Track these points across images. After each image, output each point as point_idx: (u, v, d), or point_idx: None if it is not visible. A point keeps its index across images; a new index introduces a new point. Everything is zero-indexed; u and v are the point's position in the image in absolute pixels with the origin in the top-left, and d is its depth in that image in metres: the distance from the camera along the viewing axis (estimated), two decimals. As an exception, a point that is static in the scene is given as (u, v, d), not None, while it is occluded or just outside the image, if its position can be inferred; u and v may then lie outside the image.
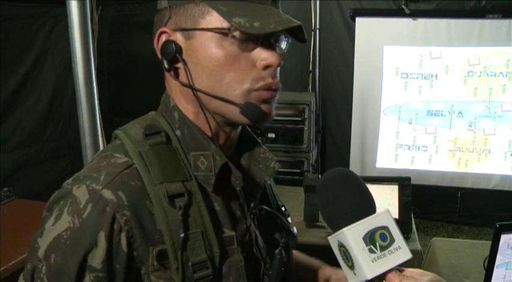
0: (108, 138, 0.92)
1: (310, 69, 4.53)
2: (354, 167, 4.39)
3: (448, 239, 2.72)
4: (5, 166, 3.38)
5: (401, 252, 0.72)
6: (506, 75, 4.00)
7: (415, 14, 4.07)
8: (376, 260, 0.70)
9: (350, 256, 0.71)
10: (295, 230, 0.97)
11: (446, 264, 2.06)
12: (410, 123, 4.25)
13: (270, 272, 0.87)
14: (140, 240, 0.72)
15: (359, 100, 4.32)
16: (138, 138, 0.79)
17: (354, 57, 4.27)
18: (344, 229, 0.71)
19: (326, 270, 1.11)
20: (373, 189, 2.57)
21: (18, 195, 2.80)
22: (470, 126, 4.15)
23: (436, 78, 4.12)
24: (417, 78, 4.16)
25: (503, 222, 1.48)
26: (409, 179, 2.47)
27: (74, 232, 0.70)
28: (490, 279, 1.51)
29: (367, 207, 0.75)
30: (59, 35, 3.55)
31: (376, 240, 0.71)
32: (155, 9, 0.84)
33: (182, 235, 0.73)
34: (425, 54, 4.10)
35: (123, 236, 0.71)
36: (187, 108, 0.84)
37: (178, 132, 0.83)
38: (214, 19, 0.76)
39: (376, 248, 0.71)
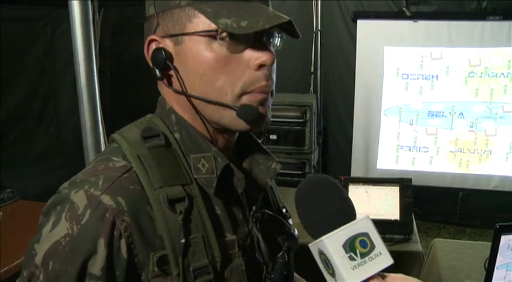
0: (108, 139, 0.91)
1: (312, 70, 4.54)
2: (356, 168, 4.39)
3: (449, 240, 2.73)
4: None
5: (382, 258, 0.71)
6: (507, 76, 3.99)
7: (416, 16, 4.07)
8: (356, 268, 0.69)
9: (330, 264, 0.70)
10: (296, 232, 0.96)
11: (447, 265, 2.07)
12: (411, 124, 4.25)
13: (272, 276, 0.85)
14: (140, 246, 0.71)
15: (360, 101, 4.32)
16: (136, 141, 0.77)
17: (355, 59, 4.26)
18: (323, 237, 0.70)
19: None
20: (374, 190, 2.60)
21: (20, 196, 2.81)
22: (471, 127, 4.14)
23: (437, 79, 4.11)
24: (418, 79, 4.16)
25: (503, 223, 1.49)
26: (410, 180, 2.48)
27: (72, 239, 0.69)
28: (491, 280, 1.51)
29: (347, 213, 0.74)
30: (59, 36, 3.56)
31: (356, 247, 0.70)
32: None
33: (183, 240, 0.71)
34: (426, 55, 4.10)
35: (123, 242, 0.70)
36: (183, 113, 0.82)
37: (177, 135, 0.81)
38: (201, 22, 0.74)
39: (356, 255, 0.70)
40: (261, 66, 0.76)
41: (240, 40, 0.74)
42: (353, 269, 0.69)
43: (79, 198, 0.71)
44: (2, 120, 3.38)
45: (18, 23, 3.43)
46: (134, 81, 3.97)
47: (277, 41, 0.80)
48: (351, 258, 0.70)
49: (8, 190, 2.76)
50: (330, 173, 4.76)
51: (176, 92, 0.79)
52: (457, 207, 4.40)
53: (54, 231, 0.70)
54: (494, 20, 3.89)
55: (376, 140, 4.35)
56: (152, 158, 0.75)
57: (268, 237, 0.87)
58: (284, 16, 0.73)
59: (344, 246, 0.70)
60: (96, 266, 0.69)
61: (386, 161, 4.36)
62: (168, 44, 0.78)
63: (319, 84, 4.49)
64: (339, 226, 0.71)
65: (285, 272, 0.87)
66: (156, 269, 0.71)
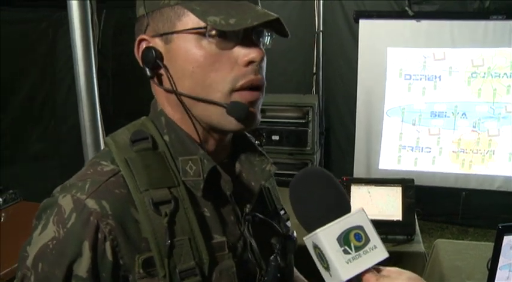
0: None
1: (314, 71, 4.53)
2: (358, 168, 4.38)
3: (451, 240, 2.72)
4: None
5: (377, 251, 0.71)
6: (510, 76, 3.97)
7: (418, 16, 4.05)
8: (351, 261, 0.69)
9: (325, 257, 0.70)
10: (294, 234, 0.96)
11: (449, 265, 2.06)
12: (413, 124, 4.24)
13: (265, 279, 0.85)
14: (125, 249, 0.72)
15: (363, 102, 4.31)
16: (125, 144, 0.79)
17: (357, 59, 4.25)
18: (317, 230, 0.70)
19: None
20: (377, 191, 2.60)
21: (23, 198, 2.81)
22: (474, 127, 4.12)
23: (440, 80, 4.10)
24: (421, 79, 4.14)
25: (505, 224, 1.48)
26: (412, 180, 2.47)
27: (58, 242, 0.71)
28: (493, 281, 1.50)
29: (341, 206, 0.74)
30: (61, 38, 3.57)
31: (351, 240, 0.70)
32: None
33: (168, 242, 0.72)
34: (428, 56, 4.09)
35: (107, 245, 0.71)
36: (173, 114, 0.82)
37: (166, 137, 0.82)
38: (190, 20, 0.75)
39: (350, 249, 0.70)
40: (250, 62, 0.76)
41: (229, 37, 0.75)
42: (347, 263, 0.69)
43: (66, 202, 0.72)
44: (3, 120, 3.39)
45: (20, 25, 3.45)
46: (135, 82, 3.97)
47: (266, 39, 0.80)
48: (345, 252, 0.70)
49: (11, 191, 2.76)
50: (332, 173, 4.72)
51: (166, 90, 0.80)
52: (460, 208, 4.39)
53: (43, 234, 0.72)
54: (497, 19, 3.87)
55: (379, 141, 4.33)
56: (139, 162, 0.76)
57: (261, 240, 0.87)
58: (272, 14, 0.74)
59: (338, 239, 0.70)
60: (82, 268, 0.70)
61: (389, 161, 4.35)
62: (158, 43, 0.79)
63: (321, 84, 4.48)
64: (333, 219, 0.71)
65: (279, 275, 0.87)
66: (141, 270, 0.72)
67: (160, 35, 0.78)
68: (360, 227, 0.71)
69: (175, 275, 0.73)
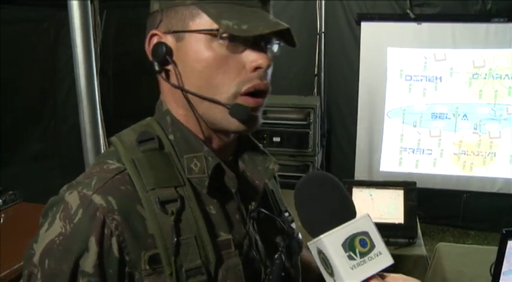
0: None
1: (315, 72, 4.52)
2: (359, 170, 4.37)
3: (453, 244, 2.71)
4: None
5: (382, 258, 0.70)
6: (511, 78, 3.97)
7: (419, 19, 4.05)
8: (355, 267, 0.68)
9: (329, 263, 0.70)
10: (300, 235, 0.96)
11: (452, 270, 2.05)
12: (414, 126, 4.23)
13: (270, 277, 0.85)
14: (132, 245, 0.72)
15: (364, 103, 4.30)
16: (132, 145, 0.80)
17: (358, 61, 4.25)
18: (322, 236, 0.70)
19: None
20: (378, 193, 2.59)
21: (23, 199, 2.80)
22: (475, 129, 4.12)
23: (441, 81, 4.09)
24: (421, 80, 4.14)
25: (509, 229, 1.47)
26: (414, 183, 2.47)
27: (65, 237, 0.71)
28: (497, 286, 1.49)
29: (347, 212, 0.73)
30: (63, 38, 3.56)
31: (356, 246, 0.69)
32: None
33: (175, 240, 0.73)
34: (429, 57, 4.08)
35: (114, 240, 0.71)
36: (178, 111, 0.84)
37: (171, 137, 0.83)
38: (204, 21, 0.76)
39: (355, 255, 0.69)
40: (256, 68, 0.78)
41: (239, 42, 0.77)
42: (352, 269, 0.68)
43: (72, 198, 0.73)
44: (3, 120, 3.38)
45: (21, 25, 3.44)
46: (136, 82, 3.97)
47: (274, 47, 0.82)
48: (350, 258, 0.69)
49: (11, 192, 2.75)
50: (333, 175, 4.72)
51: (173, 86, 0.81)
52: (461, 210, 4.39)
53: (50, 231, 0.73)
54: (498, 22, 3.87)
55: (380, 142, 4.33)
56: (146, 162, 0.77)
57: (266, 238, 0.88)
58: (283, 23, 0.76)
59: (343, 245, 0.69)
60: (89, 263, 0.70)
61: (390, 163, 4.34)
62: (169, 40, 0.81)
63: (323, 86, 4.47)
64: (339, 224, 0.70)
65: (283, 274, 0.86)
66: (147, 267, 0.73)
67: (173, 32, 0.80)
68: (365, 233, 0.71)
69: (181, 274, 0.73)
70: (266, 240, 0.88)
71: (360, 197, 2.38)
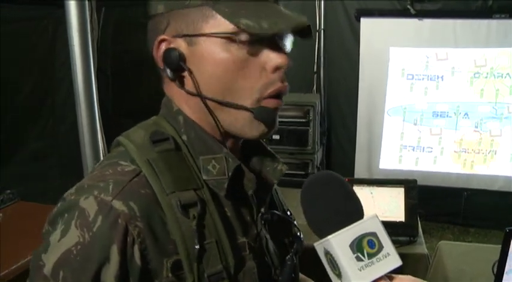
0: (108, 138, 0.89)
1: (315, 70, 4.51)
2: (359, 168, 4.37)
3: (455, 242, 2.70)
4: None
5: (390, 259, 0.69)
6: (513, 77, 3.96)
7: (420, 14, 4.03)
8: (363, 269, 0.67)
9: (337, 264, 0.68)
10: (301, 235, 0.95)
11: (453, 268, 2.04)
12: (415, 124, 4.22)
13: (280, 278, 0.84)
14: (154, 252, 0.69)
15: (364, 101, 4.30)
16: (145, 145, 0.76)
17: (358, 58, 4.24)
18: (330, 237, 0.68)
19: None
20: (379, 191, 2.58)
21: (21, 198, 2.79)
22: (476, 127, 4.12)
23: (442, 80, 4.09)
24: (423, 79, 4.13)
25: (513, 227, 1.46)
26: (415, 181, 2.45)
27: (84, 247, 0.66)
28: (500, 286, 1.48)
29: (354, 212, 0.72)
30: (60, 36, 3.55)
31: (364, 247, 0.68)
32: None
33: (197, 247, 0.70)
34: (431, 56, 4.07)
35: (136, 248, 0.68)
36: (192, 114, 0.80)
37: (184, 137, 0.79)
38: (219, 23, 0.72)
39: (363, 256, 0.68)
40: (277, 68, 0.75)
41: (259, 42, 0.73)
42: (360, 270, 0.67)
43: (89, 204, 0.68)
44: (1, 120, 3.37)
45: (19, 23, 3.42)
46: (135, 81, 3.96)
47: (288, 43, 0.78)
48: (358, 259, 0.68)
49: (8, 191, 2.74)
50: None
51: (190, 93, 0.77)
52: (461, 208, 4.38)
53: (64, 240, 0.67)
54: (500, 18, 3.85)
55: (380, 140, 4.32)
56: (163, 163, 0.73)
57: (275, 239, 0.87)
58: (303, 18, 0.73)
59: (351, 246, 0.68)
60: (110, 274, 0.67)
61: (390, 160, 4.33)
62: (180, 44, 0.76)
63: (323, 83, 4.46)
64: (346, 225, 0.69)
65: (293, 275, 0.86)
66: (170, 274, 0.69)
67: (183, 36, 0.75)
68: (374, 234, 0.69)
69: (204, 280, 0.71)
70: (276, 241, 0.87)
71: (361, 195, 2.32)
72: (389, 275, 0.70)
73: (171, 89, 0.81)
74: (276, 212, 0.87)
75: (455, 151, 4.19)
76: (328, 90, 4.52)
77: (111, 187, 0.69)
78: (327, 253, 0.70)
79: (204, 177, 0.76)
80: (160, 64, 0.78)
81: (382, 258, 0.69)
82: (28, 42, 3.57)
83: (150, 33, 0.80)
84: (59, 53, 3.74)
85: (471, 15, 3.96)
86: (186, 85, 0.78)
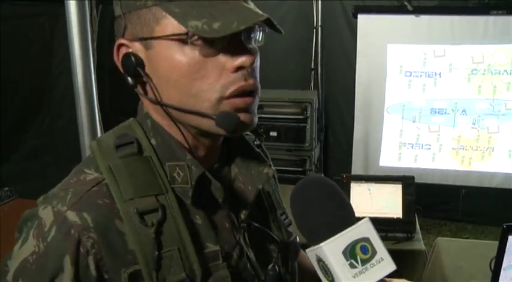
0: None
1: (312, 66, 4.50)
2: (357, 165, 4.36)
3: (452, 239, 2.70)
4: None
5: (384, 264, 0.68)
6: (510, 73, 3.95)
7: (417, 11, 4.02)
8: (357, 275, 0.66)
9: (330, 271, 0.68)
10: (297, 238, 0.92)
11: (451, 265, 2.04)
12: (413, 121, 4.22)
13: None
14: (110, 263, 0.68)
15: (362, 98, 4.28)
16: (110, 150, 0.74)
17: (356, 55, 4.23)
18: (322, 244, 0.67)
19: None
20: (377, 188, 2.58)
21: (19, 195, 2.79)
22: (474, 124, 4.11)
23: (440, 77, 4.08)
24: (421, 76, 4.12)
25: (510, 223, 1.46)
26: (412, 178, 2.46)
27: (39, 256, 0.67)
28: (497, 282, 1.48)
29: (346, 217, 0.71)
30: (58, 32, 3.53)
31: (357, 253, 0.67)
32: None
33: (156, 254, 0.68)
34: (429, 53, 4.06)
35: (90, 259, 0.67)
36: (161, 120, 0.77)
37: (153, 141, 0.76)
38: (170, 24, 0.68)
39: (357, 262, 0.67)
40: (239, 68, 0.70)
41: (214, 42, 0.69)
42: (354, 277, 0.66)
43: (46, 214, 0.69)
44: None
45: (16, 20, 3.41)
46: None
47: (258, 35, 0.74)
48: (352, 266, 0.67)
49: (6, 189, 2.73)
50: (331, 170, 4.77)
51: (151, 101, 0.75)
52: (459, 205, 4.38)
53: (23, 249, 0.69)
54: (497, 14, 3.85)
55: (379, 138, 4.31)
56: (124, 169, 0.71)
57: (259, 247, 0.83)
58: (261, 13, 0.68)
59: (344, 253, 0.67)
60: None
61: (389, 158, 4.33)
62: (138, 48, 0.73)
63: (320, 80, 4.45)
64: (338, 231, 0.68)
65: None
66: None
67: (139, 39, 0.72)
68: (366, 239, 0.68)
69: None
70: (259, 248, 0.83)
71: (358, 192, 2.37)
72: (384, 279, 0.69)
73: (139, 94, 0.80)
74: (253, 222, 0.81)
75: (453, 148, 4.19)
76: (325, 87, 4.51)
77: (68, 197, 0.69)
78: (320, 260, 0.69)
79: (171, 185, 0.73)
80: (121, 70, 0.75)
81: (375, 263, 0.68)
82: (25, 39, 3.56)
83: (115, 37, 0.77)
84: (56, 50, 3.73)
85: (468, 12, 3.95)
86: (148, 92, 0.75)
